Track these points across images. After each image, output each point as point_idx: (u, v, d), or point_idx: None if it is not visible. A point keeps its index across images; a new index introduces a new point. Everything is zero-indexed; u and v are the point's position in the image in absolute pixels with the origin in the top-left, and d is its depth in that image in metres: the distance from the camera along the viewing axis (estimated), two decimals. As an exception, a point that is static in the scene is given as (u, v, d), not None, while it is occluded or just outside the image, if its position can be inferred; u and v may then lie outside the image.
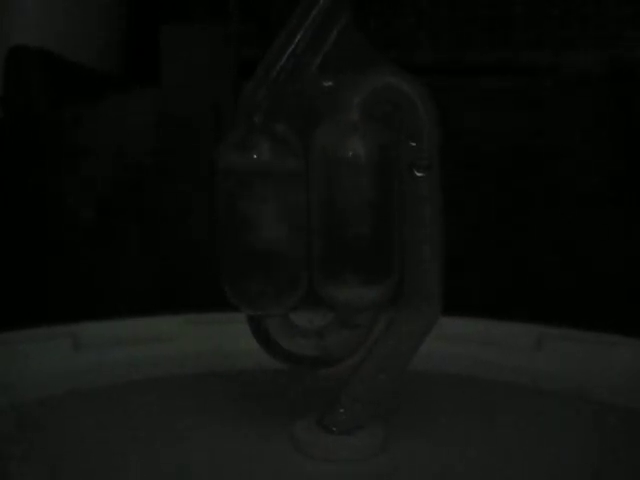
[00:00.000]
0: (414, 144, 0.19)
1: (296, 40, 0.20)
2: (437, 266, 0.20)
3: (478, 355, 0.29)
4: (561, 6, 0.49)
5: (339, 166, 0.19)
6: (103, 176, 0.45)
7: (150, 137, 0.45)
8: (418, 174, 0.19)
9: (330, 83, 0.20)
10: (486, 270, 0.44)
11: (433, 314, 0.20)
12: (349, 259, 0.19)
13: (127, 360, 0.28)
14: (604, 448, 0.22)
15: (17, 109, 0.46)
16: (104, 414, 0.24)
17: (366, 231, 0.19)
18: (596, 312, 0.42)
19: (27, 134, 0.46)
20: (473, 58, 0.49)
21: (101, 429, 0.22)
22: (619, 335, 0.29)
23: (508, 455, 0.21)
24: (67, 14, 0.52)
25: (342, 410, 0.20)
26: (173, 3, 0.56)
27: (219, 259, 0.20)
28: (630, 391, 0.26)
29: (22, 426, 0.23)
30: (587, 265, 0.43)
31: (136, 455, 0.21)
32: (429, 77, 0.20)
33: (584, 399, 0.26)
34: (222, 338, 0.30)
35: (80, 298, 0.45)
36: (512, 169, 0.44)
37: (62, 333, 0.29)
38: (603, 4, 0.48)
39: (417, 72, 0.19)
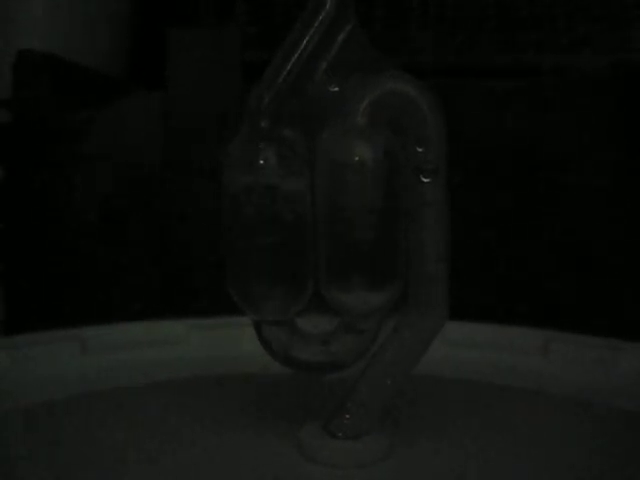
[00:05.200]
0: (420, 149, 0.19)
1: (302, 45, 0.20)
2: (443, 271, 0.20)
3: (484, 360, 0.29)
4: (567, 8, 0.49)
5: (345, 171, 0.19)
6: (110, 179, 0.45)
7: (156, 140, 0.45)
8: (424, 179, 0.19)
9: (336, 88, 0.20)
10: (491, 274, 0.44)
11: (439, 319, 0.20)
12: (355, 264, 0.19)
13: (133, 364, 0.29)
14: (610, 452, 0.21)
15: (24, 112, 0.46)
16: (111, 417, 0.24)
17: (372, 236, 0.19)
18: (602, 316, 0.42)
19: (34, 137, 0.46)
20: (479, 60, 0.49)
21: (107, 432, 0.22)
22: (625, 340, 0.29)
23: (515, 460, 0.21)
24: (73, 18, 0.52)
25: (348, 415, 0.20)
26: (179, 7, 0.56)
27: (225, 264, 0.20)
28: (636, 396, 0.26)
29: (30, 429, 0.23)
30: (592, 268, 0.43)
31: (141, 458, 0.21)
32: (434, 80, 0.20)
33: (591, 403, 0.25)
34: (228, 342, 0.30)
35: (86, 301, 0.45)
36: (516, 171, 0.44)
37: (70, 337, 0.29)
38: (610, 6, 0.48)
39: (422, 75, 0.19)
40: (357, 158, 0.19)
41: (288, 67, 0.19)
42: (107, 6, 0.54)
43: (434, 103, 0.19)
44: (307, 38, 0.20)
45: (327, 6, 0.20)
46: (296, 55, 0.20)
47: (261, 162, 0.19)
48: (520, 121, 0.44)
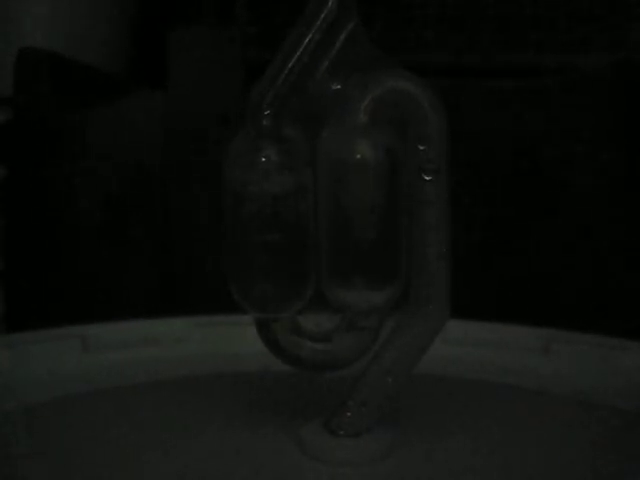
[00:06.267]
0: (422, 147, 0.19)
1: (304, 43, 0.20)
2: (444, 269, 0.20)
3: (485, 358, 0.29)
4: (567, 8, 0.49)
5: (346, 169, 0.19)
6: (110, 177, 0.45)
7: (157, 139, 0.45)
8: (426, 178, 0.19)
9: (338, 86, 0.20)
10: (492, 273, 0.44)
11: (440, 317, 0.20)
12: (357, 262, 0.19)
13: (135, 361, 0.29)
14: (611, 452, 0.21)
15: (26, 110, 0.46)
16: (112, 415, 0.24)
17: (373, 234, 0.19)
18: (603, 315, 0.42)
19: (36, 135, 0.46)
20: (479, 60, 0.49)
21: (109, 430, 0.22)
22: (627, 339, 0.29)
23: (515, 460, 0.21)
24: (75, 17, 0.52)
25: (349, 413, 0.20)
26: (179, 7, 0.56)
27: (226, 261, 0.20)
28: (638, 395, 0.26)
29: (31, 428, 0.23)
30: (593, 268, 0.43)
31: (142, 457, 0.21)
32: (436, 79, 0.20)
33: (592, 403, 0.25)
34: (229, 340, 0.30)
35: (88, 299, 0.45)
36: (517, 171, 0.44)
37: (71, 334, 0.29)
38: (610, 6, 0.48)
39: (424, 74, 0.19)
40: (359, 156, 0.19)
41: (290, 65, 0.19)
42: (108, 5, 0.54)
43: (436, 101, 0.19)
44: (309, 36, 0.20)
45: (329, 4, 0.20)
46: (298, 53, 0.20)
47: (262, 160, 0.19)
48: (520, 121, 0.44)
